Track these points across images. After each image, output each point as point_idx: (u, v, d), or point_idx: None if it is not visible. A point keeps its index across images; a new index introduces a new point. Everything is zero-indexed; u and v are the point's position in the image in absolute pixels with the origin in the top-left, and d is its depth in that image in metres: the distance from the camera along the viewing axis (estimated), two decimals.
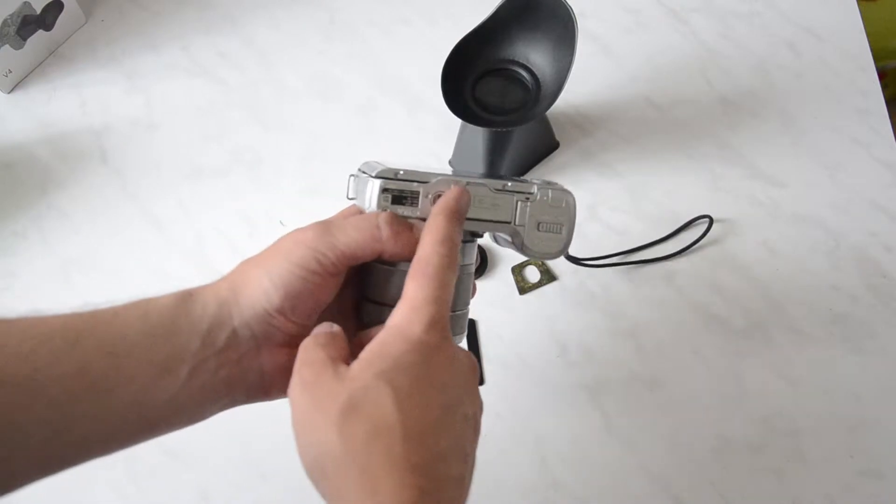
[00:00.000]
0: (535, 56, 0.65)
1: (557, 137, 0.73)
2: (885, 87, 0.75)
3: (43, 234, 0.71)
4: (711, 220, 0.68)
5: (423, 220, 0.41)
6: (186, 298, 0.40)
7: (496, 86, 0.65)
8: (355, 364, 0.36)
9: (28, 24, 0.75)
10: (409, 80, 0.77)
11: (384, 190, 0.42)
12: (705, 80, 0.76)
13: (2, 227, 0.72)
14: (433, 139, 0.74)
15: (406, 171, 0.42)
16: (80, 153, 0.75)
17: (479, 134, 0.66)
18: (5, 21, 0.73)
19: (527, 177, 0.47)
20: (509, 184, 0.43)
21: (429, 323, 0.36)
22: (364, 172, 0.43)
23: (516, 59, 0.65)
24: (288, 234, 0.41)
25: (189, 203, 0.72)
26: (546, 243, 0.44)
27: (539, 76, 0.65)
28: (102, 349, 0.38)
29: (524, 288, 0.67)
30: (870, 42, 0.77)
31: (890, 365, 0.64)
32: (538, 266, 0.68)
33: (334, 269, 0.40)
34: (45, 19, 0.77)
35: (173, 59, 0.79)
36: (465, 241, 0.43)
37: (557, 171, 0.72)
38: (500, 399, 0.63)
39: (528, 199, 0.44)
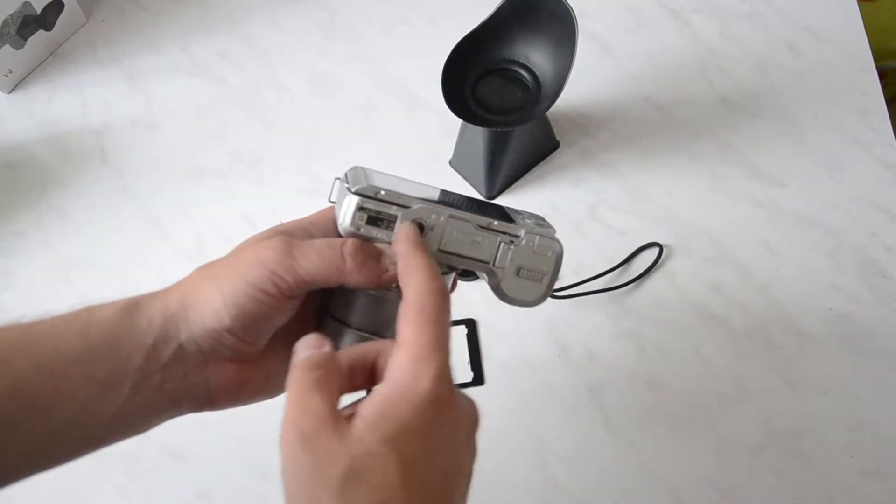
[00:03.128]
0: (535, 56, 0.65)
1: (557, 137, 0.73)
2: (885, 87, 0.75)
3: (43, 234, 0.71)
4: (661, 249, 0.67)
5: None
6: (131, 310, 0.38)
7: (496, 86, 0.65)
8: (359, 422, 0.33)
9: (28, 24, 0.75)
10: (409, 80, 0.77)
11: (360, 209, 0.39)
12: (705, 80, 0.76)
13: (2, 227, 0.72)
14: (433, 139, 0.74)
15: (388, 192, 0.39)
16: (81, 153, 0.75)
17: (479, 134, 0.66)
18: (6, 21, 0.73)
19: (519, 209, 0.45)
20: (496, 223, 0.41)
21: (436, 375, 0.34)
22: (346, 181, 0.41)
23: (516, 59, 0.65)
24: (248, 247, 0.39)
25: (189, 203, 0.72)
26: (523, 291, 0.42)
27: (539, 76, 0.65)
28: (38, 366, 0.36)
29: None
30: (870, 42, 0.77)
31: (890, 365, 0.64)
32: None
33: (292, 294, 0.38)
34: (46, 19, 0.77)
35: (173, 59, 0.79)
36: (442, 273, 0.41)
37: (557, 172, 0.72)
38: (500, 399, 0.63)
39: (512, 242, 0.41)
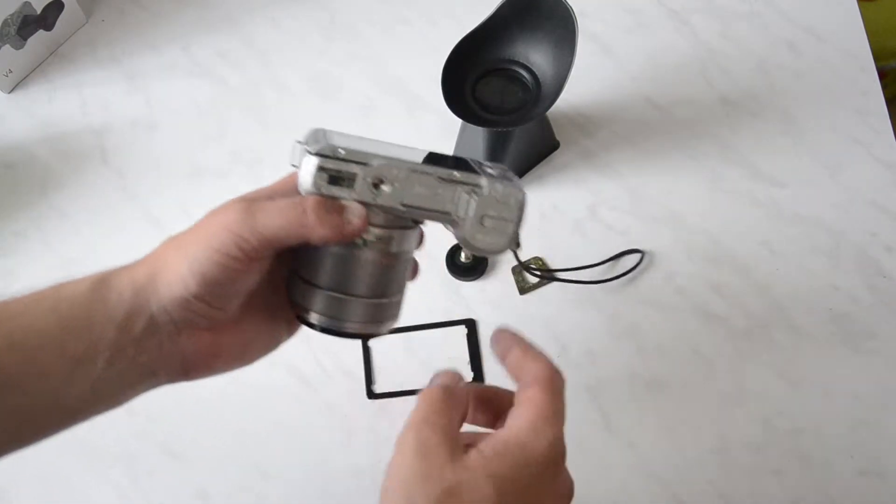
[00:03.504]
0: (535, 56, 0.65)
1: (557, 137, 0.73)
2: (885, 87, 0.75)
3: (43, 234, 0.71)
4: (643, 255, 0.67)
5: (360, 202, 0.40)
6: (101, 285, 0.39)
7: (496, 86, 0.65)
8: (474, 454, 0.36)
9: (28, 24, 0.75)
10: (409, 80, 0.77)
11: (321, 168, 0.39)
12: (705, 80, 0.76)
13: (2, 227, 0.72)
14: (433, 139, 0.74)
15: (347, 150, 0.39)
16: (81, 153, 0.75)
17: (479, 134, 0.66)
18: (6, 21, 0.73)
19: (483, 161, 0.44)
20: (457, 174, 0.41)
21: (555, 439, 0.37)
22: (306, 143, 0.41)
23: (516, 59, 0.65)
24: (212, 214, 0.40)
25: (189, 203, 0.72)
26: (488, 240, 0.42)
27: (539, 76, 0.65)
28: (11, 344, 0.37)
29: (524, 288, 0.67)
30: (870, 42, 0.77)
31: (890, 365, 0.64)
32: (538, 266, 0.68)
33: (257, 255, 0.38)
34: (46, 19, 0.77)
35: (173, 59, 0.79)
36: (405, 228, 0.41)
37: (557, 172, 0.72)
38: None
39: (474, 191, 0.41)
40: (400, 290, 0.43)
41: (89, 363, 0.37)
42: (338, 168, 0.39)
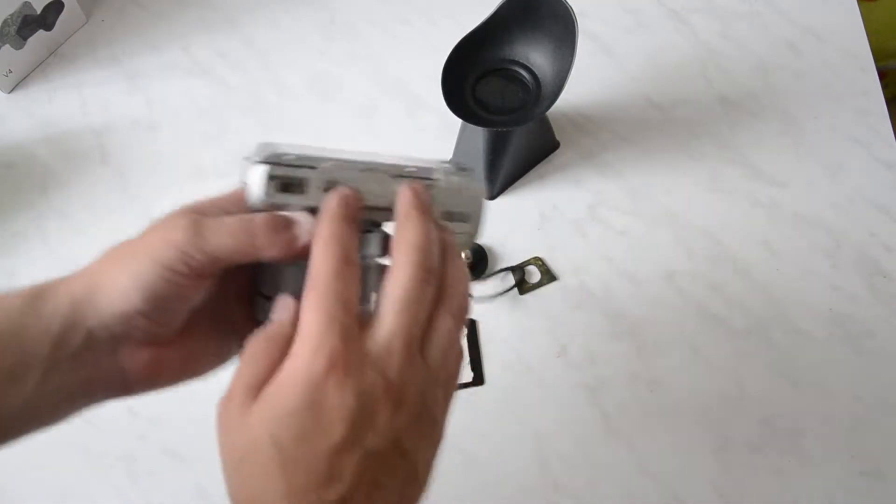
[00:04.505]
0: (535, 56, 0.65)
1: (557, 137, 0.73)
2: (885, 87, 0.75)
3: (43, 234, 0.71)
4: (522, 273, 0.66)
5: (311, 208, 0.38)
6: (36, 297, 0.37)
7: (496, 86, 0.65)
8: (256, 404, 0.33)
9: (28, 24, 0.75)
10: (409, 80, 0.77)
11: (271, 177, 0.37)
12: (705, 80, 0.76)
13: (2, 227, 0.72)
14: (433, 139, 0.74)
15: (295, 156, 0.38)
16: (81, 153, 0.75)
17: (479, 134, 0.66)
18: (6, 21, 0.73)
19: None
20: (410, 167, 0.39)
21: (313, 348, 0.32)
22: (254, 156, 0.39)
23: (516, 59, 0.65)
24: (156, 228, 0.38)
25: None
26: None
27: (539, 76, 0.65)
28: None
29: (524, 288, 0.67)
30: (870, 42, 0.77)
31: (890, 365, 0.64)
32: (538, 266, 0.68)
33: (204, 272, 0.37)
34: (46, 19, 0.77)
35: (173, 59, 0.79)
36: (365, 231, 0.39)
37: (557, 172, 0.72)
38: (500, 399, 0.63)
39: (430, 186, 0.39)
40: (367, 299, 0.40)
41: (21, 379, 0.36)
42: (287, 174, 0.38)
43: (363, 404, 0.32)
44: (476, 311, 0.66)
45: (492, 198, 0.71)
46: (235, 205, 0.40)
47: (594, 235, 0.69)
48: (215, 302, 0.40)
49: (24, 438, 0.38)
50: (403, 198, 0.38)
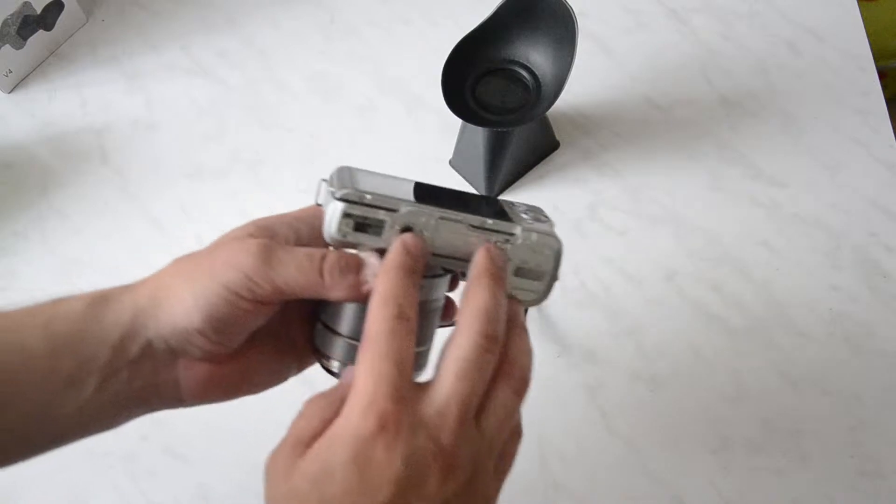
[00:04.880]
0: (535, 56, 0.65)
1: (557, 137, 0.73)
2: (885, 87, 0.75)
3: (43, 234, 0.71)
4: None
5: (384, 251, 0.37)
6: (99, 304, 0.37)
7: (496, 86, 0.65)
8: (303, 459, 0.32)
9: (28, 24, 0.75)
10: (409, 80, 0.77)
11: (346, 215, 0.37)
12: (705, 80, 0.76)
13: (2, 227, 0.72)
14: (433, 139, 0.74)
15: (374, 195, 0.37)
16: (81, 153, 0.75)
17: (479, 134, 0.66)
18: (6, 21, 0.73)
19: (515, 202, 0.42)
20: (490, 221, 0.38)
21: (364, 407, 0.31)
22: (331, 184, 0.39)
23: (516, 59, 0.65)
24: (227, 244, 0.38)
25: (189, 203, 0.72)
26: (523, 291, 0.39)
27: (539, 76, 0.65)
28: None
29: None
30: (870, 42, 0.77)
31: (890, 365, 0.64)
32: None
33: (268, 300, 0.37)
34: (46, 19, 0.77)
35: (173, 59, 0.79)
36: (432, 276, 0.39)
37: (557, 172, 0.72)
38: None
39: (508, 241, 0.38)
40: (427, 340, 0.40)
41: (80, 384, 0.36)
42: (364, 215, 0.37)
43: (412, 468, 0.31)
44: None
45: None
46: (307, 224, 0.40)
47: (594, 235, 0.69)
48: (276, 324, 0.40)
49: (79, 440, 0.38)
50: (479, 260, 0.37)
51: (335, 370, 0.40)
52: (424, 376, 0.37)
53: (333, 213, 0.37)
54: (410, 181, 0.40)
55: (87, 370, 0.36)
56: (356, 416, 0.32)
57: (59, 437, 0.38)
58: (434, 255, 0.38)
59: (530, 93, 0.65)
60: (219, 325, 0.36)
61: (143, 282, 0.38)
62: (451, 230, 0.38)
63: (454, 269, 0.39)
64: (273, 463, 0.33)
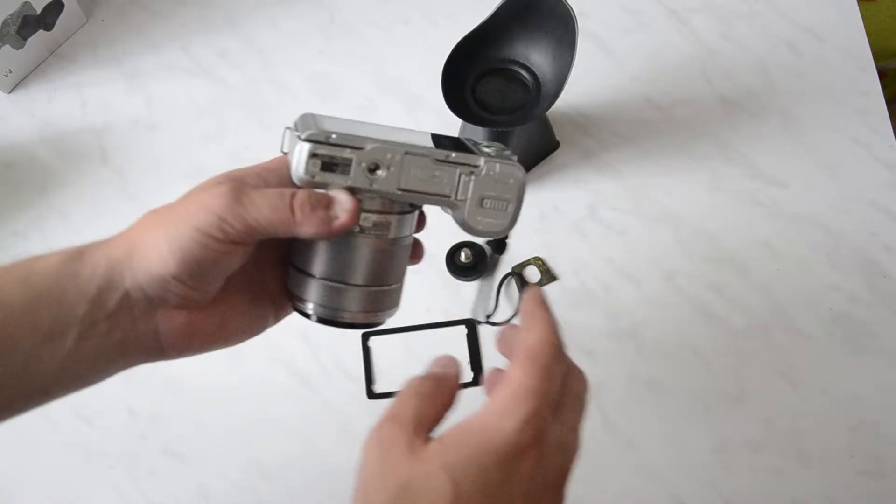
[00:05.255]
0: (535, 56, 0.65)
1: (557, 137, 0.73)
2: (885, 87, 0.75)
3: (43, 234, 0.71)
4: (475, 327, 0.66)
5: (352, 188, 0.38)
6: (75, 258, 0.38)
7: (496, 86, 0.65)
8: (434, 444, 0.33)
9: (28, 24, 0.75)
10: (409, 80, 0.77)
11: (313, 155, 0.38)
12: (705, 80, 0.76)
13: (2, 227, 0.72)
14: None
15: (339, 135, 0.38)
16: (81, 153, 0.75)
17: (479, 134, 0.66)
18: (6, 21, 0.73)
19: (478, 140, 0.42)
20: (453, 154, 0.39)
21: (524, 420, 0.33)
22: (296, 129, 0.39)
23: (516, 59, 0.65)
24: (197, 192, 0.38)
25: None
26: (489, 221, 0.40)
27: (539, 76, 0.65)
28: None
29: (524, 288, 0.67)
30: (870, 42, 0.77)
31: (890, 365, 0.64)
32: (538, 266, 0.68)
33: (240, 241, 0.37)
34: (46, 19, 0.77)
35: (173, 59, 0.79)
36: (402, 213, 0.40)
37: (557, 171, 0.72)
38: None
39: (472, 172, 0.40)
40: (399, 278, 0.42)
41: (60, 338, 0.36)
42: (331, 154, 0.38)
43: (538, 487, 0.33)
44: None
45: None
46: (276, 174, 0.40)
47: (594, 235, 0.69)
48: (251, 270, 0.41)
49: (63, 397, 0.39)
50: (530, 297, 0.40)
51: (309, 312, 0.41)
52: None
53: (301, 154, 0.38)
54: (374, 124, 0.41)
55: (66, 323, 0.37)
56: (513, 423, 0.33)
57: (41, 393, 0.38)
58: (402, 190, 0.39)
59: (530, 93, 0.65)
60: (194, 268, 0.37)
61: (118, 235, 0.39)
62: (416, 165, 0.39)
63: (421, 203, 0.41)
64: (389, 437, 0.34)
